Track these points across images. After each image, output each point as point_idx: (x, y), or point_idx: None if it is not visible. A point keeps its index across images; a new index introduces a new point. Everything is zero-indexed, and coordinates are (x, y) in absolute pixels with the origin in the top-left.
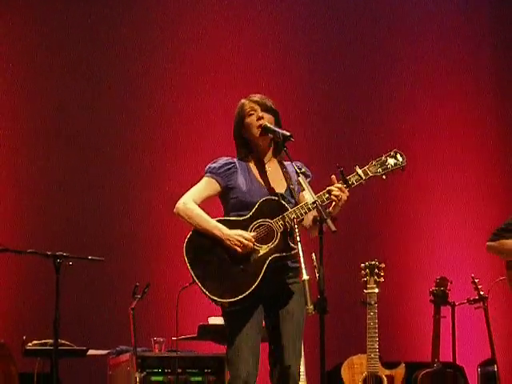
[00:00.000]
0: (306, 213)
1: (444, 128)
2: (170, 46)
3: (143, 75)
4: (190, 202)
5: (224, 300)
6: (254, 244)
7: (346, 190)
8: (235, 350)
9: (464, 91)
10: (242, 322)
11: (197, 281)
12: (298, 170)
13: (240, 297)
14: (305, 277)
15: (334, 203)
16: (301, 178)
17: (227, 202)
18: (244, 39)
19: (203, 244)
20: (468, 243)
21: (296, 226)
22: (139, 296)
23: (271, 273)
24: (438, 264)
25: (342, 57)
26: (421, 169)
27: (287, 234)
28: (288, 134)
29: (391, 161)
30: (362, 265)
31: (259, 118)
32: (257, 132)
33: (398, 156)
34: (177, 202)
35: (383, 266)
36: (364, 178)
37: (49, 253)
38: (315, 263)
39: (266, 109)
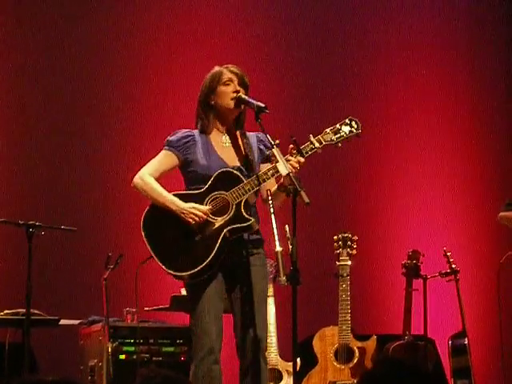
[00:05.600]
0: (260, 184)
1: (419, 95)
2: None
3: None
4: (146, 176)
5: (181, 273)
6: (208, 216)
7: (302, 160)
8: (198, 321)
9: (438, 53)
10: (202, 294)
11: (154, 255)
12: (273, 142)
13: (196, 269)
14: (278, 248)
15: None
16: (275, 150)
17: (186, 176)
18: (219, 4)
19: (160, 218)
20: (441, 216)
21: (270, 198)
22: (112, 266)
23: (230, 245)
24: (410, 237)
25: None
26: (395, 139)
27: (242, 205)
28: (263, 105)
29: (346, 128)
30: (335, 237)
31: (236, 91)
32: (230, 103)
33: (353, 123)
34: None
35: (356, 238)
36: (318, 146)
37: (21, 222)
38: (288, 235)
39: (242, 83)
